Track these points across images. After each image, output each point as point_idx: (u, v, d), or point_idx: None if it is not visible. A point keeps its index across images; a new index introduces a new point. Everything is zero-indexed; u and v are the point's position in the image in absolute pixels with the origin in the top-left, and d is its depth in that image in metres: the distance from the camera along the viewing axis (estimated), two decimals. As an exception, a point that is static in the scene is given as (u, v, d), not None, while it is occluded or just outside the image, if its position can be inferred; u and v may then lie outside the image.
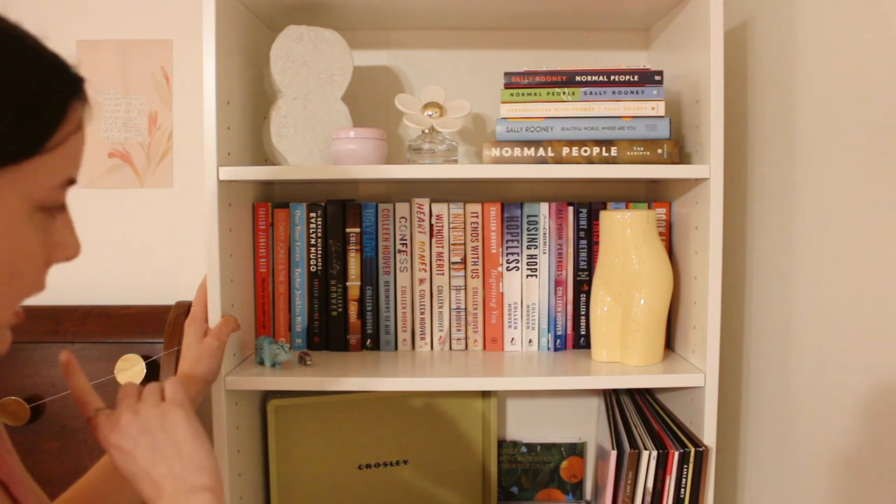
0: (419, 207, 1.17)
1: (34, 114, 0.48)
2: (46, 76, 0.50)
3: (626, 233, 1.06)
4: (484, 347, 1.20)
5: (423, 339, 1.19)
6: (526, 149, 1.05)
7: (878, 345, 0.84)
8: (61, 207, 0.54)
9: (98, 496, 0.79)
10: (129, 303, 1.29)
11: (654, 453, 1.01)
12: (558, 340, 1.19)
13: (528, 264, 1.18)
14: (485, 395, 1.26)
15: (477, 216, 1.18)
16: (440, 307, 1.19)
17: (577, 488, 1.36)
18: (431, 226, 1.18)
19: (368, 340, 1.19)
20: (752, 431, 1.15)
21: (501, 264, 1.18)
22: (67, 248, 0.55)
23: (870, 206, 0.86)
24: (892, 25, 0.82)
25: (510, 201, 1.18)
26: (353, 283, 1.18)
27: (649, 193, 1.31)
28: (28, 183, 0.49)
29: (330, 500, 1.22)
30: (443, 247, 1.18)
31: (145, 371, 1.17)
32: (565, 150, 1.05)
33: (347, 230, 1.17)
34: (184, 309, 1.23)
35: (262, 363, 1.08)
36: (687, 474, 1.01)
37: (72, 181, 0.53)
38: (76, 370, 0.73)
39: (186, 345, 0.97)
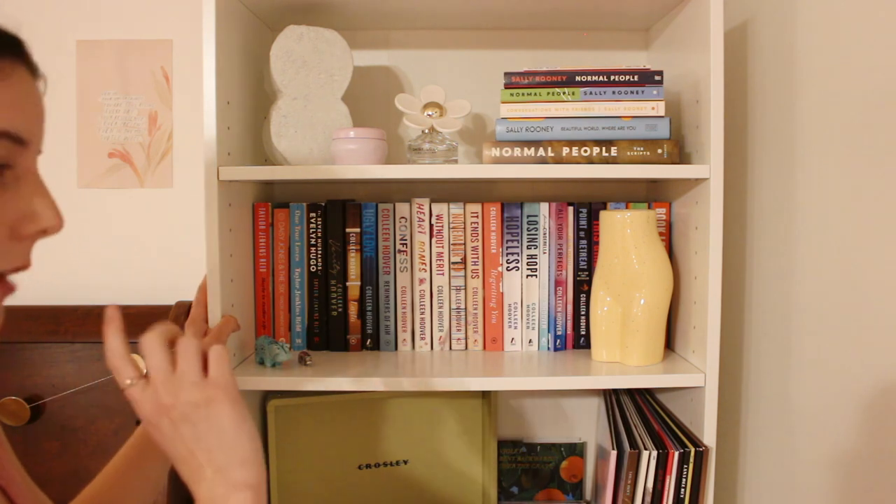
0: (419, 207, 1.17)
1: None
2: None
3: (626, 233, 1.06)
4: (484, 347, 1.20)
5: (423, 339, 1.19)
6: (526, 149, 1.05)
7: (878, 345, 0.84)
8: (9, 168, 0.51)
9: (105, 502, 0.79)
10: (129, 303, 1.29)
11: (654, 453, 1.01)
12: (558, 340, 1.19)
13: (528, 264, 1.18)
14: (485, 395, 1.26)
15: (477, 216, 1.17)
16: (440, 307, 1.19)
17: (577, 488, 1.36)
18: (431, 226, 1.18)
19: (368, 340, 1.19)
20: (752, 431, 1.15)
21: (501, 264, 1.18)
22: (42, 220, 0.52)
23: (870, 205, 0.86)
24: (892, 25, 0.82)
25: (510, 201, 1.18)
26: (353, 283, 1.18)
27: (649, 193, 1.31)
28: None
29: (330, 500, 1.22)
30: (443, 247, 1.18)
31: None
32: (565, 150, 1.05)
33: (347, 230, 1.17)
34: (184, 309, 1.23)
35: (262, 363, 1.08)
36: (687, 474, 1.01)
37: (12, 137, 0.50)
38: (117, 330, 0.64)
39: None
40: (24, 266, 0.52)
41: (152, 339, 0.63)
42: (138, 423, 0.90)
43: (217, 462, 0.60)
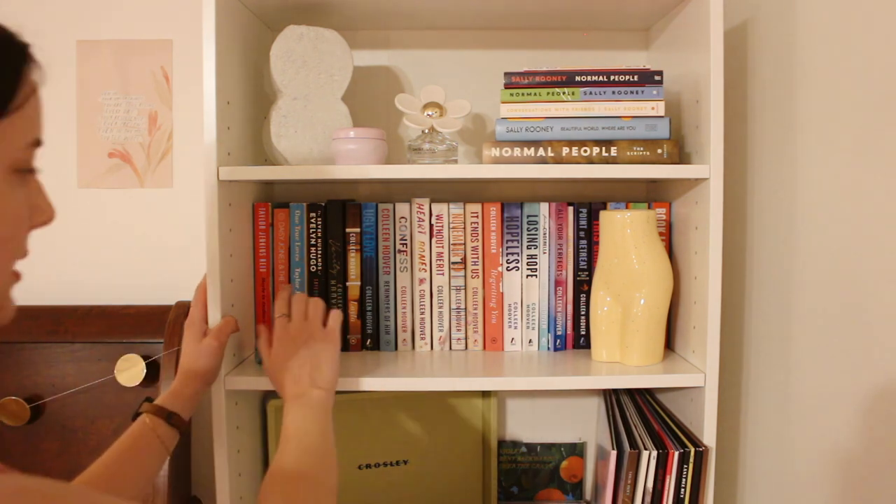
0: (419, 207, 1.17)
1: None
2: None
3: (626, 233, 1.06)
4: (484, 347, 1.20)
5: (423, 339, 1.19)
6: (526, 149, 1.05)
7: (878, 345, 0.84)
8: (32, 171, 0.56)
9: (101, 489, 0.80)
10: (129, 303, 1.29)
11: (654, 453, 1.01)
12: (558, 340, 1.19)
13: (528, 264, 1.18)
14: (485, 395, 1.26)
15: (477, 216, 1.18)
16: (440, 307, 1.19)
17: (577, 488, 1.36)
18: (431, 226, 1.18)
19: (368, 340, 1.19)
20: (752, 431, 1.15)
21: (501, 264, 1.18)
22: (43, 213, 0.58)
23: (870, 205, 0.86)
24: (892, 25, 0.82)
25: (510, 201, 1.18)
26: (353, 283, 1.18)
27: (649, 193, 1.31)
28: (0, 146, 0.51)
29: (330, 500, 1.22)
30: (443, 247, 1.18)
31: (145, 371, 1.17)
32: (565, 150, 1.05)
33: (347, 230, 1.17)
34: (184, 309, 1.23)
35: (261, 363, 1.08)
36: (687, 474, 1.01)
37: (38, 142, 0.56)
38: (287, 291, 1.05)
39: (185, 345, 0.98)
40: (25, 256, 0.57)
41: (299, 296, 1.01)
42: (134, 418, 0.90)
43: (314, 376, 0.91)
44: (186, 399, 0.93)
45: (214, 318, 1.00)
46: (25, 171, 0.55)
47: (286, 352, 0.94)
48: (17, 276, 0.57)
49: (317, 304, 1.00)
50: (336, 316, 0.99)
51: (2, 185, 0.52)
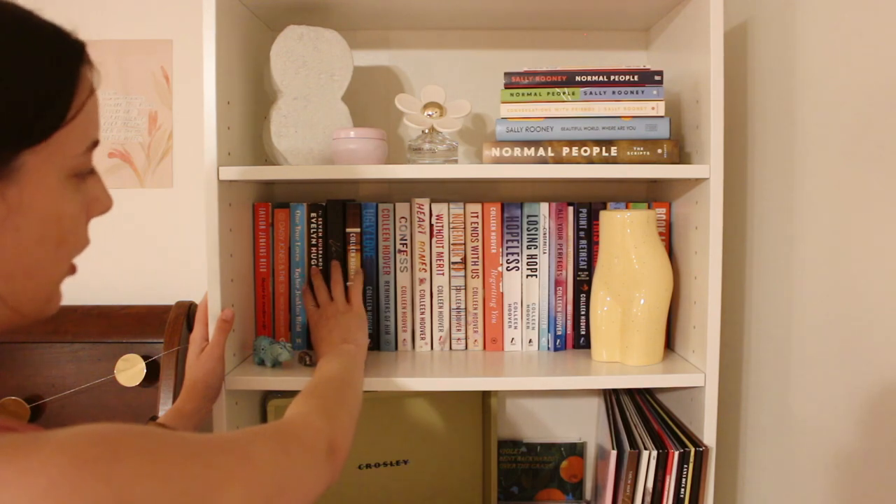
0: (419, 207, 1.17)
1: (54, 89, 0.51)
2: (55, 50, 0.53)
3: (626, 233, 1.06)
4: (484, 347, 1.20)
5: (423, 339, 1.19)
6: (526, 149, 1.05)
7: (878, 345, 0.84)
8: (90, 172, 0.57)
9: None
10: (129, 303, 1.29)
11: (654, 453, 1.01)
12: (558, 340, 1.19)
13: (528, 264, 1.18)
14: (485, 395, 1.26)
15: (477, 216, 1.18)
16: (440, 307, 1.19)
17: (577, 488, 1.36)
18: (431, 226, 1.18)
19: (369, 340, 1.19)
20: (752, 431, 1.15)
21: (501, 264, 1.18)
22: (101, 203, 0.59)
23: (870, 205, 0.86)
24: (892, 25, 0.82)
25: (510, 201, 1.18)
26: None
27: (649, 193, 1.31)
28: (58, 155, 0.51)
29: (330, 500, 1.22)
30: (443, 247, 1.18)
31: (145, 371, 1.17)
32: (565, 150, 1.05)
33: (347, 230, 1.17)
34: (184, 309, 1.23)
35: (261, 363, 1.08)
36: (687, 474, 1.01)
37: (95, 143, 0.56)
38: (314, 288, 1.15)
39: (188, 359, 1.00)
40: (87, 245, 0.59)
41: (321, 285, 1.13)
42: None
43: (344, 337, 1.03)
44: (188, 416, 0.94)
45: (214, 316, 1.00)
46: (85, 173, 0.55)
47: (321, 329, 1.06)
48: (73, 269, 0.59)
49: (336, 285, 1.11)
50: (355, 290, 1.11)
51: (61, 192, 0.53)
